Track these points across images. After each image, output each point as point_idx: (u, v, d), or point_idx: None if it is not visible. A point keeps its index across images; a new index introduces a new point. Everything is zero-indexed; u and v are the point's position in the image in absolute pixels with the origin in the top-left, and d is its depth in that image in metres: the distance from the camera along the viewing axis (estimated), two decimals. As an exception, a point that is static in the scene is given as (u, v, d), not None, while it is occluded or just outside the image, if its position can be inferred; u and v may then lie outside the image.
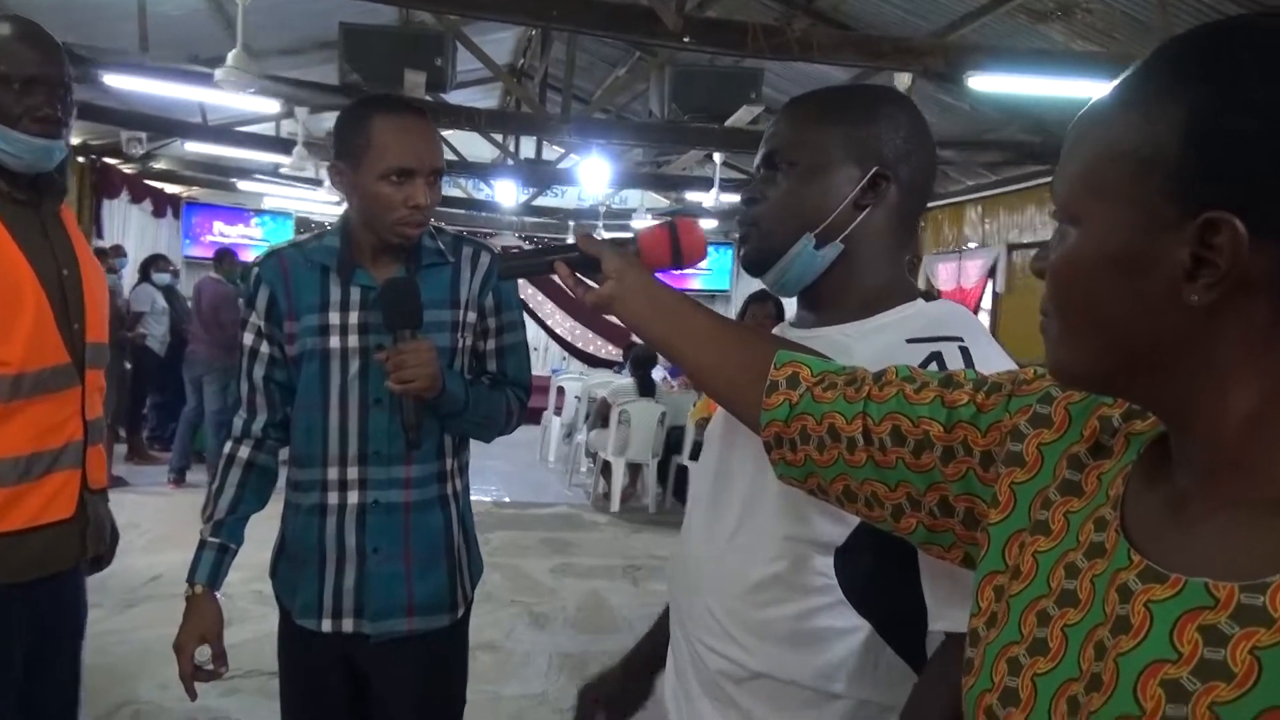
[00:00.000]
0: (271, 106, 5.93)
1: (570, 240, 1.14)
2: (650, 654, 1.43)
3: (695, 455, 6.37)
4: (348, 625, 1.64)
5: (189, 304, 7.23)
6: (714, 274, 12.88)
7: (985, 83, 4.78)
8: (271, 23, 6.00)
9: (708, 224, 10.29)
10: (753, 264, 1.14)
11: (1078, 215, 0.62)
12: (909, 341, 1.02)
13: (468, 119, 6.12)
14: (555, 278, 1.12)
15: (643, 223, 10.06)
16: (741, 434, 1.10)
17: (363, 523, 1.63)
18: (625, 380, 7.05)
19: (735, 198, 7.75)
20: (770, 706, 1.05)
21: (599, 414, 6.91)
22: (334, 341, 1.63)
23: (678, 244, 1.11)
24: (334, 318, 1.63)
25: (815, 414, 0.89)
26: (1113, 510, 0.65)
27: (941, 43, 5.25)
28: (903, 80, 4.80)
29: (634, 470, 6.84)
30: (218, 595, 1.63)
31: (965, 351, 0.99)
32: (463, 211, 10.94)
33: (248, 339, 1.69)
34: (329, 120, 7.83)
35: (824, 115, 1.11)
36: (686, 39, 4.35)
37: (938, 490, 0.81)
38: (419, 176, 1.57)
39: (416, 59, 6.00)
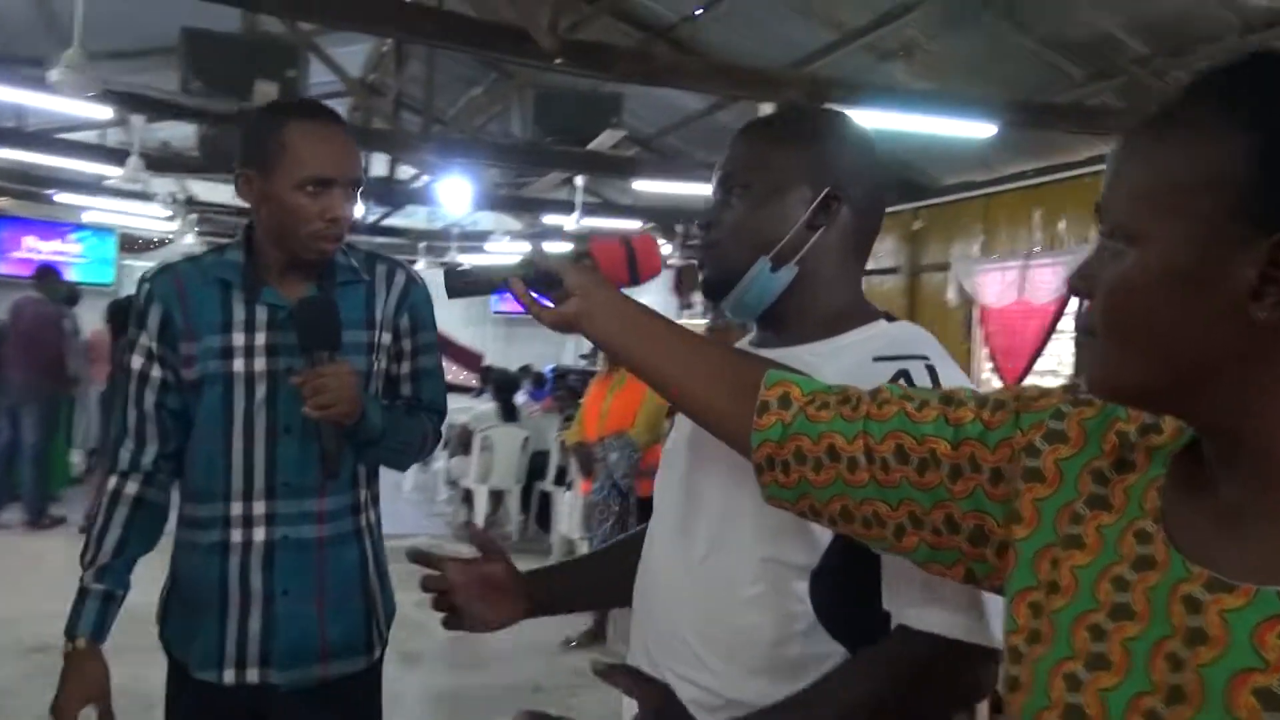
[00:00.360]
0: (103, 113, 5.49)
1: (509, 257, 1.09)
2: (560, 585, 1.34)
3: (560, 480, 6.30)
4: (253, 675, 1.50)
5: (3, 326, 6.58)
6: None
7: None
8: (103, 22, 5.58)
9: (561, 247, 10.28)
10: (712, 289, 1.14)
11: (1136, 234, 0.63)
12: (875, 360, 1.02)
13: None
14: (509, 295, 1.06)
15: (498, 246, 9.93)
16: (710, 453, 1.07)
17: (270, 561, 1.50)
18: (487, 405, 6.91)
19: (595, 222, 7.78)
20: None
21: (460, 441, 6.73)
22: (238, 365, 1.50)
23: (634, 261, 1.08)
24: (238, 339, 1.50)
25: (811, 434, 0.87)
26: (1154, 523, 0.66)
27: (802, 75, 5.45)
28: (765, 110, 4.96)
29: (495, 498, 6.70)
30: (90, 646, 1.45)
31: (932, 370, 1.01)
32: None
33: (136, 362, 1.53)
34: (163, 130, 7.34)
35: (775, 138, 1.11)
36: (559, 60, 4.34)
37: (943, 508, 0.81)
38: (337, 187, 1.47)
39: (267, 69, 5.71)
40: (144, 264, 11.17)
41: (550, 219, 8.49)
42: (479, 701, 3.72)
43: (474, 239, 10.00)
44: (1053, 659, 0.67)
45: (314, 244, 1.48)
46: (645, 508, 4.17)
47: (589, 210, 7.69)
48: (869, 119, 4.96)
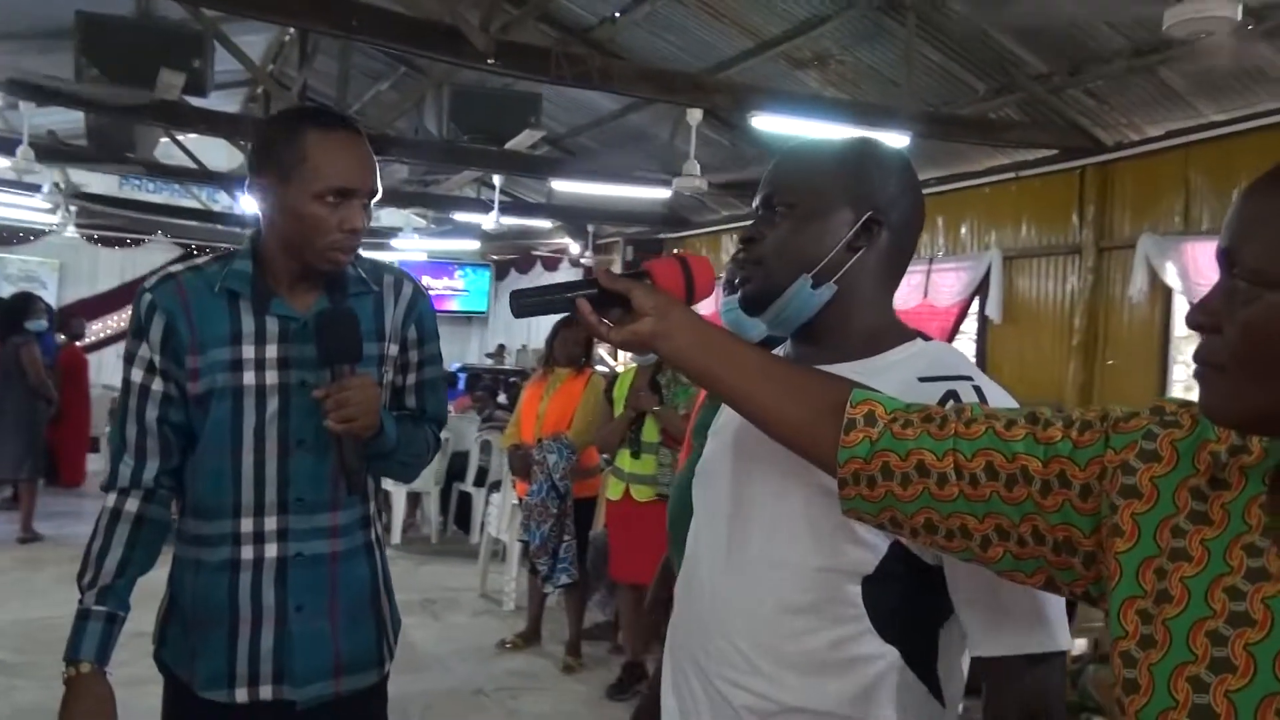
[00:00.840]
0: (-11, 99, 5.16)
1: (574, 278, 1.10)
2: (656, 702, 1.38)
3: (479, 481, 6.25)
4: (266, 693, 1.46)
5: None
6: (471, 295, 12.73)
7: (766, 122, 5.11)
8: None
9: (469, 245, 10.15)
10: (752, 302, 1.17)
11: (1278, 280, 0.69)
12: (921, 380, 1.07)
13: (232, 127, 5.65)
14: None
15: (406, 243, 9.71)
16: (756, 464, 1.11)
17: (283, 578, 1.47)
18: (401, 406, 6.79)
19: (512, 220, 7.73)
20: None
21: (373, 442, 6.59)
22: (248, 378, 1.46)
23: (691, 281, 1.11)
24: (248, 351, 1.47)
25: (899, 450, 0.91)
26: (1263, 538, 0.72)
27: (728, 81, 5.55)
28: (695, 115, 5.04)
29: (413, 499, 6.59)
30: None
31: (978, 390, 1.06)
32: (196, 223, 10.05)
33: (136, 375, 1.48)
34: (48, 117, 6.92)
35: (821, 161, 1.16)
36: (492, 61, 4.31)
37: (1031, 521, 0.86)
38: (356, 198, 1.45)
39: (170, 57, 5.46)
40: (17, 258, 10.48)
41: (461, 216, 8.38)
42: (419, 706, 3.67)
43: (380, 235, 9.78)
44: (1171, 663, 0.73)
45: (330, 255, 1.46)
46: (582, 508, 4.20)
47: (502, 209, 7.64)
48: (784, 126, 5.09)
